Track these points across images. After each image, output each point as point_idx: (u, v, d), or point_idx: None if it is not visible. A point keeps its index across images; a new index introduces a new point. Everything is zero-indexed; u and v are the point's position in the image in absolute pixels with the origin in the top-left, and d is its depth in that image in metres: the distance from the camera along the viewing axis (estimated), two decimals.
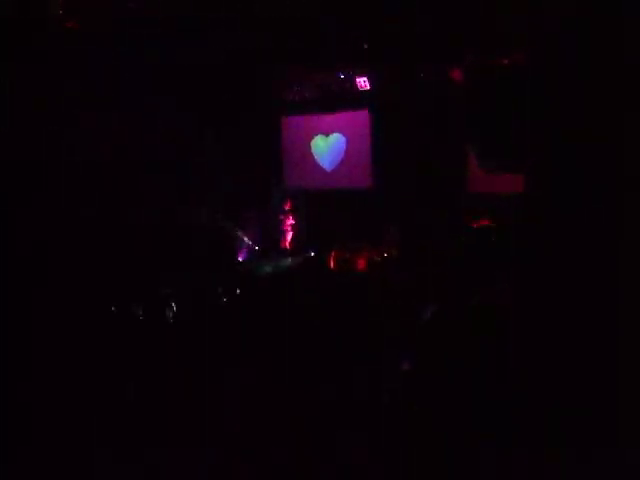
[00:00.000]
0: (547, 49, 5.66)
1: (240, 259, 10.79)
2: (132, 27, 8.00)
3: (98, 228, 8.00)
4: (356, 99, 10.41)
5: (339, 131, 11.13)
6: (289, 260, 10.36)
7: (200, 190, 9.97)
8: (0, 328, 5.64)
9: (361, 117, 10.75)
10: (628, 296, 4.44)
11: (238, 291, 7.97)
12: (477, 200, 9.30)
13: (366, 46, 9.12)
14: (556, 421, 3.85)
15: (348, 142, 11.02)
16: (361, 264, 9.81)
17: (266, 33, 8.77)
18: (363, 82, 9.93)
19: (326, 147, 11.22)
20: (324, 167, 11.27)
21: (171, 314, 6.88)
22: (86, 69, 8.24)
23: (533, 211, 7.06)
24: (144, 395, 5.00)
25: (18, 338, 5.65)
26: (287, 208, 11.22)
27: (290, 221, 11.26)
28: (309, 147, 11.34)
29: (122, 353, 5.72)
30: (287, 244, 11.30)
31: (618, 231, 5.51)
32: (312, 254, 10.48)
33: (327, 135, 11.19)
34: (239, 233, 10.56)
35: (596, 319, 4.51)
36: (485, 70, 7.16)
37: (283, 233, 11.30)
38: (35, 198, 7.50)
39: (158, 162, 9.17)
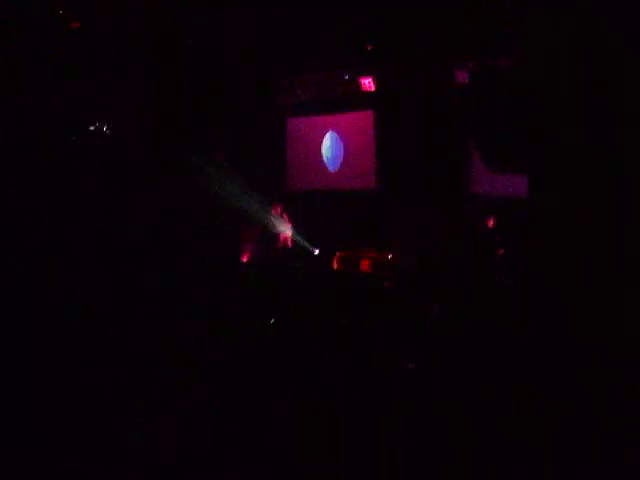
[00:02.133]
0: (546, 53, 5.72)
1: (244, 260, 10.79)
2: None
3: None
4: (361, 100, 10.43)
5: (342, 132, 11.16)
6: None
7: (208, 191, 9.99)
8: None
9: (366, 118, 10.76)
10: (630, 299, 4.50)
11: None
12: (479, 201, 9.34)
13: (370, 47, 9.19)
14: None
15: (351, 143, 11.03)
16: (365, 265, 9.83)
17: (271, 35, 8.84)
18: (368, 83, 9.96)
19: (331, 147, 11.25)
20: (329, 167, 11.29)
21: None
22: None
23: (536, 212, 7.11)
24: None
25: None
26: (280, 210, 10.86)
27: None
28: (315, 147, 11.36)
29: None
30: (287, 244, 11.02)
31: (619, 230, 5.56)
32: (316, 252, 10.45)
33: (332, 135, 11.22)
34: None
35: (600, 322, 4.57)
36: (490, 73, 7.22)
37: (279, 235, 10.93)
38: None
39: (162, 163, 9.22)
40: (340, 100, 10.66)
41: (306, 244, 10.58)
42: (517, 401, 4.29)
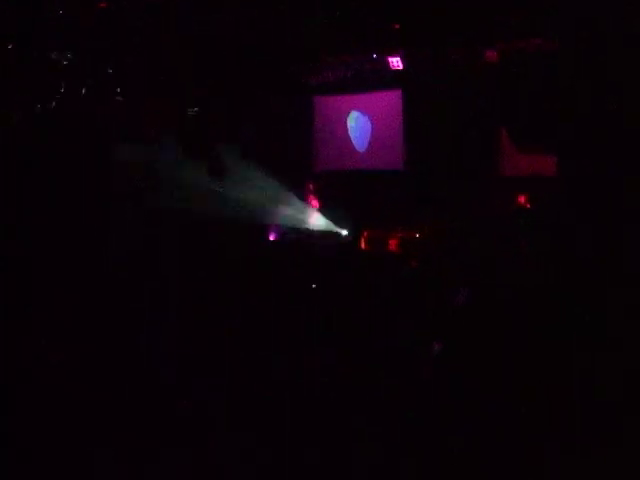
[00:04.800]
0: (578, 32, 5.63)
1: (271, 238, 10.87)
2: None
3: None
4: (389, 79, 10.35)
5: (369, 111, 11.10)
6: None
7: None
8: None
9: (394, 97, 10.70)
10: None
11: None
12: (508, 183, 9.27)
13: (397, 26, 9.08)
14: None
15: (379, 122, 10.97)
16: (393, 244, 9.84)
17: (297, 14, 8.79)
18: (396, 62, 9.87)
19: (358, 126, 11.21)
20: (356, 147, 11.26)
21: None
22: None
23: (567, 192, 7.04)
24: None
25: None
26: (311, 189, 10.80)
27: (314, 202, 10.85)
28: (343, 127, 11.32)
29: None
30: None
31: None
32: (344, 233, 10.47)
33: (359, 114, 11.18)
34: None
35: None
36: (519, 53, 7.13)
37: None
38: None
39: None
40: (368, 79, 10.60)
41: (334, 224, 10.59)
42: (546, 390, 4.29)
